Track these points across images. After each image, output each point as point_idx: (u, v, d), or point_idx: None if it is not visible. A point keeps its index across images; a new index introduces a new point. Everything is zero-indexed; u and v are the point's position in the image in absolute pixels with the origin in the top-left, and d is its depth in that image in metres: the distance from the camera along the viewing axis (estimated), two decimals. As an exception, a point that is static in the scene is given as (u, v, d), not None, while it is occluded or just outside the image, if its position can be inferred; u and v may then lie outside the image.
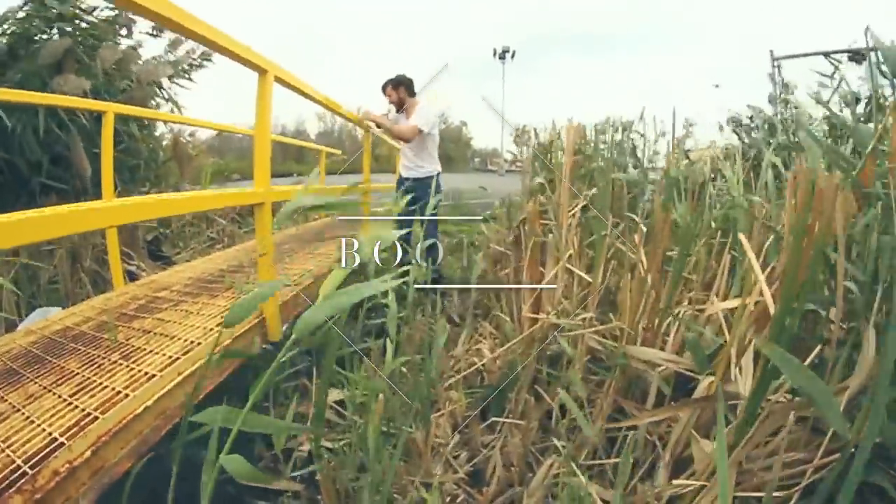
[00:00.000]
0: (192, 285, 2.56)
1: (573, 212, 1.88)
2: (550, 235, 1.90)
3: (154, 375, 1.56)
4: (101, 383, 1.56)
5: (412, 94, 3.75)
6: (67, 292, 3.53)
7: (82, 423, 1.33)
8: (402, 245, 3.47)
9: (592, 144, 2.39)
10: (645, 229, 1.73)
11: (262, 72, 1.96)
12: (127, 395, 1.45)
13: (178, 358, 1.66)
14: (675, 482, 1.41)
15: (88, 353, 1.77)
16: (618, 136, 2.54)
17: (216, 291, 2.40)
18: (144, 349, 1.78)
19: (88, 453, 1.27)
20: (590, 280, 1.78)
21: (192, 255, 4.54)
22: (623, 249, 1.82)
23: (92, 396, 1.48)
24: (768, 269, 1.44)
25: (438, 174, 3.68)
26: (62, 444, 1.25)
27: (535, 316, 1.80)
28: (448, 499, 1.62)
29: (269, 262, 2.01)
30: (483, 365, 1.88)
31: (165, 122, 4.98)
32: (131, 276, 3.72)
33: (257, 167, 1.98)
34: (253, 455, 1.92)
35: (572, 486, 1.56)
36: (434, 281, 3.19)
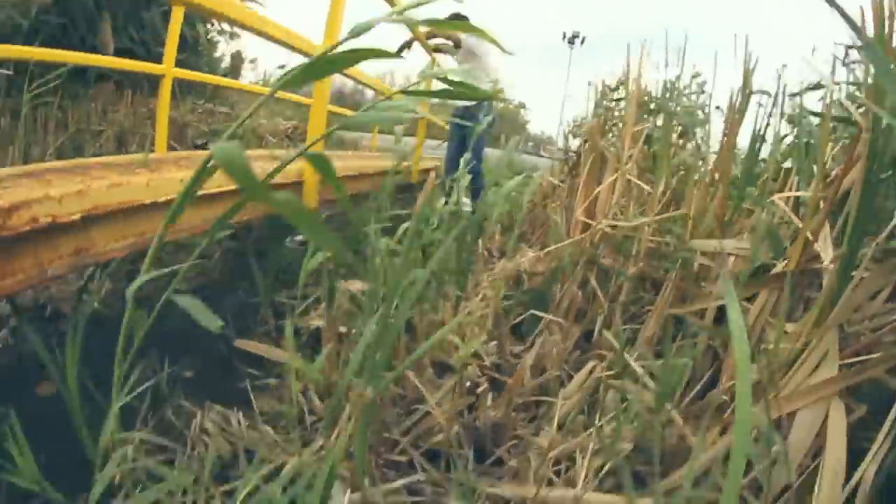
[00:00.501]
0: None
1: (639, 128, 1.78)
2: (612, 149, 1.79)
3: (182, 180, 1.47)
4: (119, 179, 1.49)
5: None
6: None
7: (83, 191, 1.23)
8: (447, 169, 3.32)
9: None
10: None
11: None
12: (148, 185, 1.37)
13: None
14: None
15: (115, 169, 1.73)
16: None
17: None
18: (173, 169, 1.71)
19: (77, 217, 1.17)
20: (648, 189, 1.64)
21: None
22: (686, 158, 1.69)
23: (104, 180, 1.41)
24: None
25: (490, 103, 3.39)
26: (53, 198, 1.16)
27: (588, 221, 1.65)
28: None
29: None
30: (525, 270, 1.71)
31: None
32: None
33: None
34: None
35: (618, 389, 1.35)
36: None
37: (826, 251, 1.22)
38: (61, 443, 0.78)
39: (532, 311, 1.56)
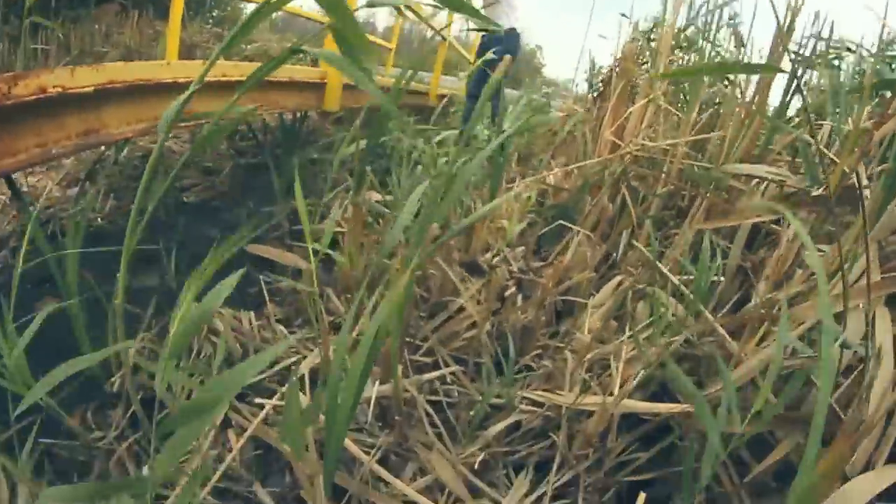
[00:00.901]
0: None
1: (666, 58, 1.76)
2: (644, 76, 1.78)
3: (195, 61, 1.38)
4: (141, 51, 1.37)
5: None
6: None
7: (98, 68, 1.13)
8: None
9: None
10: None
11: None
12: (169, 63, 1.26)
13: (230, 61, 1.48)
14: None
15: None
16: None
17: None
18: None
19: (90, 89, 1.06)
20: (680, 115, 1.64)
21: None
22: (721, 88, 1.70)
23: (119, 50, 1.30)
24: None
25: (513, 29, 3.32)
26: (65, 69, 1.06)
27: (618, 141, 1.64)
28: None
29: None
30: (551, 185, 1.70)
31: None
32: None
33: None
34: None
35: (650, 298, 1.36)
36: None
37: (863, 177, 1.26)
38: (61, 358, 0.72)
39: (560, 222, 1.55)
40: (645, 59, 2.04)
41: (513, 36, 3.35)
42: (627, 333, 1.26)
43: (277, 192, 1.72)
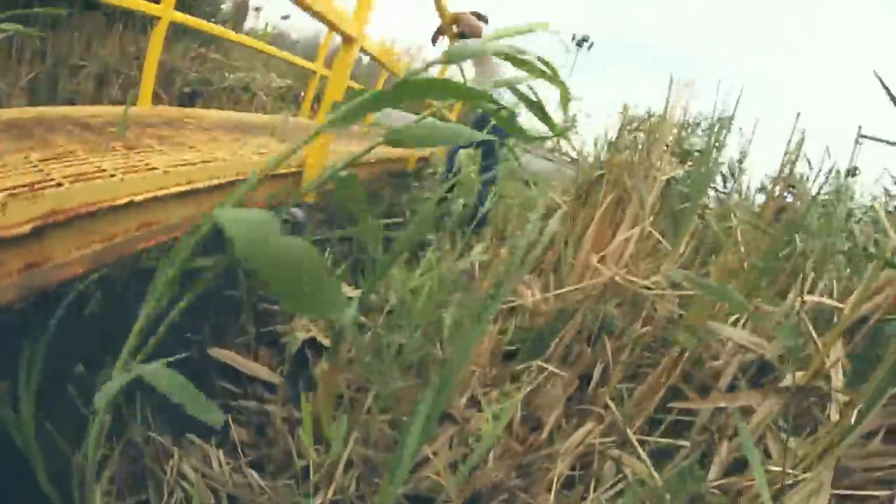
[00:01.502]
0: (229, 124, 2.26)
1: (662, 176, 1.71)
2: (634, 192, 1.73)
3: (155, 168, 1.22)
4: (87, 160, 1.20)
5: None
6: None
7: (36, 185, 0.96)
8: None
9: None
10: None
11: None
12: (113, 177, 1.09)
13: (193, 163, 1.34)
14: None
15: (85, 136, 1.45)
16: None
17: (255, 132, 2.09)
18: (153, 148, 1.47)
19: (27, 228, 0.90)
20: (668, 247, 1.61)
21: None
22: (714, 229, 1.66)
23: (67, 165, 1.13)
24: None
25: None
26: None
27: (601, 267, 1.60)
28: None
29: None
30: (523, 309, 1.66)
31: None
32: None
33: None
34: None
35: (612, 459, 1.36)
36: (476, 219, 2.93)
37: (837, 376, 1.26)
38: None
39: (535, 362, 1.52)
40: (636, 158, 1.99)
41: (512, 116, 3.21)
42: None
43: (243, 294, 1.62)
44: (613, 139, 1.95)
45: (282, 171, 1.63)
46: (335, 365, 1.24)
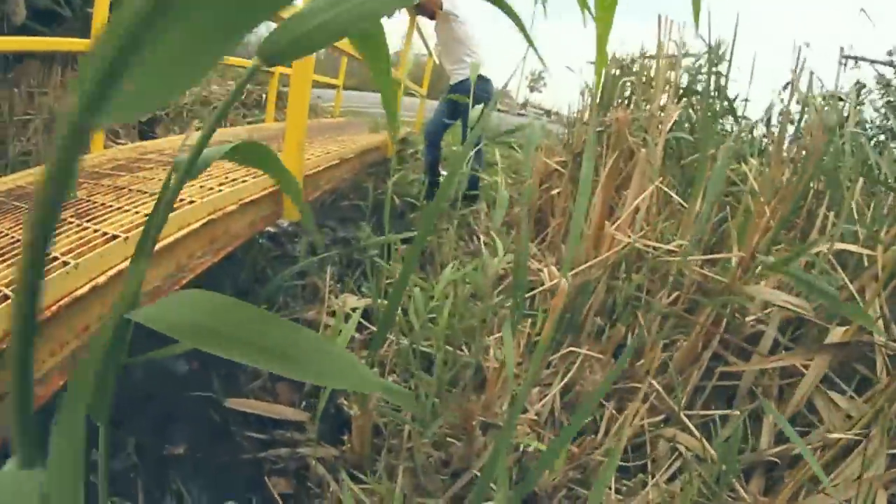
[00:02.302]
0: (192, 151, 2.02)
1: (668, 122, 1.60)
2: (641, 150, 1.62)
3: (115, 237, 1.07)
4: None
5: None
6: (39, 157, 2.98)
7: None
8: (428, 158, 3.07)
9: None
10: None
11: None
12: (65, 265, 0.93)
13: None
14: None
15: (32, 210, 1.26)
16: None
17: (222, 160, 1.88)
18: (111, 206, 1.29)
19: None
20: (684, 205, 1.53)
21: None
22: (731, 177, 1.58)
23: (10, 265, 0.97)
24: None
25: (480, 77, 2.96)
26: None
27: (618, 235, 1.51)
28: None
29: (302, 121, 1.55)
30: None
31: None
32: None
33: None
34: (244, 367, 1.51)
35: (666, 439, 1.33)
36: (467, 196, 2.82)
37: (880, 333, 1.23)
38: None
39: (567, 349, 1.45)
40: (632, 108, 1.86)
41: (486, 82, 3.06)
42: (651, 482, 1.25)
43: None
44: (602, 87, 1.82)
45: (258, 194, 1.46)
46: (366, 409, 1.15)
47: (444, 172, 2.60)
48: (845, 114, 1.68)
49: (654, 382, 1.39)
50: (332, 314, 1.60)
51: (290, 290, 1.71)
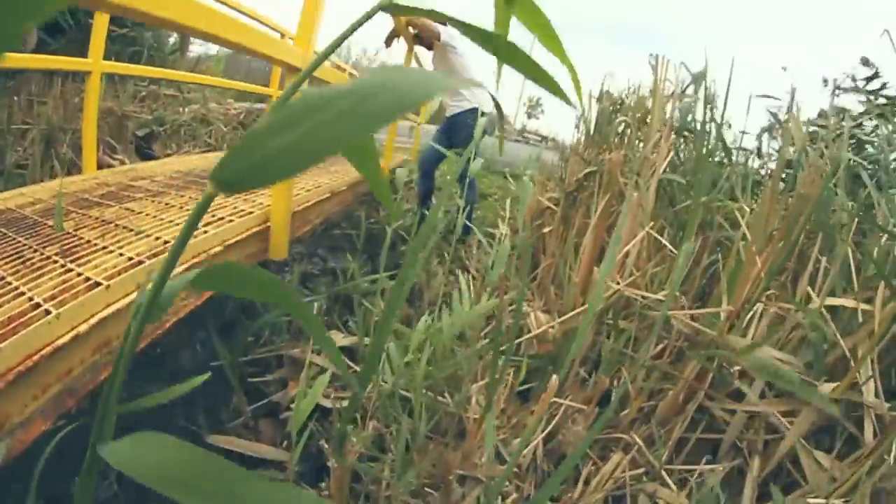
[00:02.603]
0: (180, 178, 2.05)
1: (661, 165, 1.58)
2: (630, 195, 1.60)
3: (98, 284, 1.06)
4: (16, 288, 1.02)
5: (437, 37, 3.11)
6: (35, 179, 2.93)
7: None
8: (421, 188, 3.09)
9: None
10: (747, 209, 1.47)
11: None
12: (48, 313, 0.92)
13: (139, 262, 1.17)
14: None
15: (16, 244, 1.27)
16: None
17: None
18: (96, 245, 1.29)
19: None
20: (674, 251, 1.51)
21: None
22: (721, 223, 1.55)
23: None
24: None
25: (476, 111, 2.99)
26: None
27: (608, 282, 1.49)
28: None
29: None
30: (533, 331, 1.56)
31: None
32: (113, 171, 3.22)
33: (302, 25, 1.49)
34: (227, 402, 1.52)
35: (646, 494, 1.32)
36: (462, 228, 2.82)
37: (870, 391, 1.21)
38: None
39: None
40: (625, 148, 1.83)
41: (464, 116, 3.06)
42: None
43: (229, 372, 1.49)
44: (595, 123, 1.80)
45: (243, 234, 1.46)
46: (344, 462, 1.14)
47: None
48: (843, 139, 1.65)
49: (635, 436, 1.37)
50: (319, 352, 1.60)
51: (276, 326, 1.71)
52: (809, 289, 1.42)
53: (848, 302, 1.39)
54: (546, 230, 2.09)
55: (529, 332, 1.55)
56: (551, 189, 2.30)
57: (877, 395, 1.22)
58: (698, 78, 1.67)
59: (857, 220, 1.51)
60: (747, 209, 1.53)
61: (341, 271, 1.92)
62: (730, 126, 1.94)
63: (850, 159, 1.64)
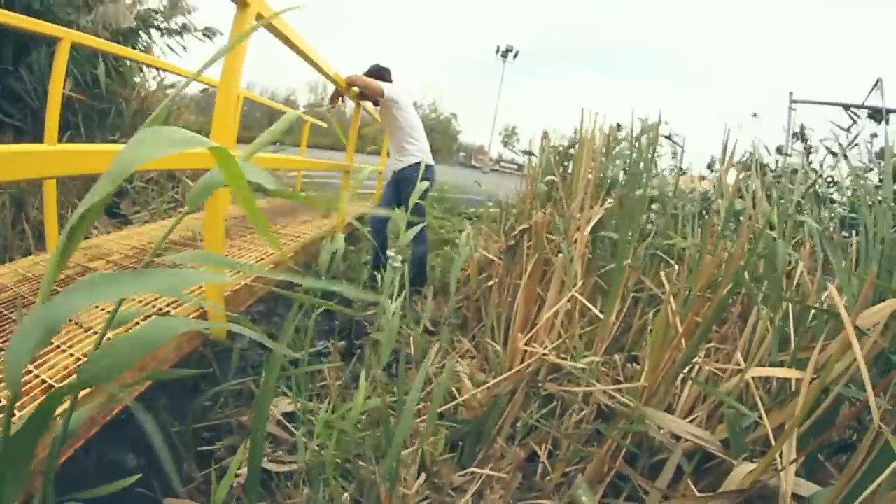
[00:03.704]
0: (134, 257, 2.15)
1: (586, 227, 1.55)
2: (559, 256, 1.58)
3: (51, 387, 1.15)
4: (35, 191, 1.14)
5: (390, 81, 3.29)
6: (7, 244, 3.01)
7: None
8: (375, 244, 3.18)
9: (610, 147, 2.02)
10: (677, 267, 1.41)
11: (242, 4, 1.48)
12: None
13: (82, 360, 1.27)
14: None
15: None
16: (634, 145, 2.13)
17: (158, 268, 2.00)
18: (50, 343, 1.39)
19: None
20: (600, 315, 1.48)
21: (153, 216, 4.06)
22: (649, 285, 1.51)
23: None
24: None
25: (420, 164, 3.05)
26: None
27: (532, 349, 1.48)
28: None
29: (219, 242, 1.61)
30: (461, 397, 1.57)
31: (133, 61, 4.44)
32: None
33: (217, 124, 1.56)
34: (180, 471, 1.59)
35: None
36: (414, 280, 2.87)
37: (789, 480, 1.15)
38: None
39: (474, 469, 1.44)
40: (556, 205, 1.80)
41: (428, 168, 3.11)
42: None
43: (179, 444, 1.57)
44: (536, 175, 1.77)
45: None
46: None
47: (391, 254, 2.63)
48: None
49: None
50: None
51: (233, 391, 1.78)
52: (739, 355, 1.36)
53: (777, 371, 1.32)
54: (491, 283, 2.08)
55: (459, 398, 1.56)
56: (498, 239, 2.29)
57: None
58: (647, 128, 1.62)
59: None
60: (674, 270, 1.48)
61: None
62: (683, 171, 1.88)
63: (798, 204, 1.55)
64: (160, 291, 0.56)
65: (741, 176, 1.62)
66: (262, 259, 2.20)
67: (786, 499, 1.18)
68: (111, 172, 0.47)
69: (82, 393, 1.16)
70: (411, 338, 1.66)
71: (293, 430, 1.69)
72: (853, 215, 1.81)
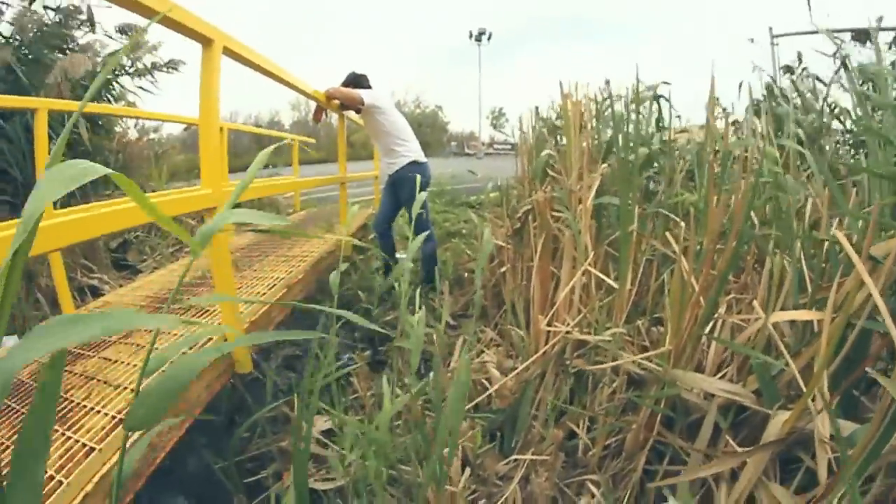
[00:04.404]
0: (148, 307, 2.18)
1: (587, 197, 1.54)
2: (566, 231, 1.57)
3: (93, 450, 1.18)
4: None
5: (368, 87, 3.29)
6: (23, 314, 3.06)
7: None
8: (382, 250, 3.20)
9: (599, 112, 1.99)
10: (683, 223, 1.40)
11: (206, 42, 1.52)
12: (60, 484, 1.07)
13: (121, 419, 1.29)
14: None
15: (17, 412, 1.43)
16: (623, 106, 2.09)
17: (175, 314, 2.03)
18: (84, 406, 1.41)
19: None
20: (615, 286, 1.47)
21: (160, 262, 4.08)
22: (658, 246, 1.50)
23: None
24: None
25: (414, 163, 3.13)
26: None
27: (555, 328, 1.48)
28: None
29: (229, 279, 1.63)
30: (492, 387, 1.58)
31: (119, 116, 4.45)
32: (94, 292, 3.33)
33: (205, 164, 1.58)
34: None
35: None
36: (427, 277, 2.88)
37: (824, 425, 1.14)
38: None
39: (516, 456, 1.46)
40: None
41: (421, 166, 3.16)
42: None
43: (224, 480, 1.61)
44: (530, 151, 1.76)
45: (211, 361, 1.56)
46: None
47: (400, 255, 2.63)
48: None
49: (596, 486, 1.36)
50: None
51: (270, 418, 1.81)
52: (756, 304, 1.35)
53: (799, 314, 1.31)
54: (504, 269, 2.08)
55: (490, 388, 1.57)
56: (503, 223, 2.28)
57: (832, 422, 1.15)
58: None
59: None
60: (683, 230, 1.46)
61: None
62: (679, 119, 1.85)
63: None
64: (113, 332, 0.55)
65: (734, 118, 1.59)
66: (273, 286, 2.21)
67: (823, 442, 1.17)
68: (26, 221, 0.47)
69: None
70: (434, 336, 1.67)
71: (333, 446, 1.71)
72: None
